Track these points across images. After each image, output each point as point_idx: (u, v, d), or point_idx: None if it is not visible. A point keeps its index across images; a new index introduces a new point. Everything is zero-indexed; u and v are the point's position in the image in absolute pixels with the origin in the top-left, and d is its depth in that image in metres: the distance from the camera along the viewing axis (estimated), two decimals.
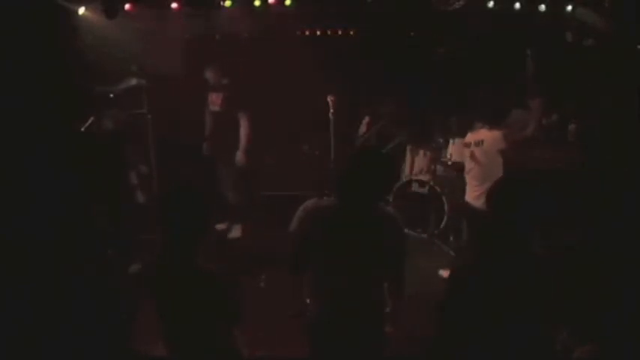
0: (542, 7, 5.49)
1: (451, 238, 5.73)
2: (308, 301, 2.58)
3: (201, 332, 2.35)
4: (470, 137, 4.77)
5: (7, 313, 3.02)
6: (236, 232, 5.86)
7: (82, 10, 5.17)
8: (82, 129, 4.93)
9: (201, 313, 2.32)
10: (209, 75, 5.66)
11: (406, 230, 5.84)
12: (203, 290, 2.30)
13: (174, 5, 5.42)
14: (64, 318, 3.20)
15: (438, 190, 5.78)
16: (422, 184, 5.95)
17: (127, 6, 5.33)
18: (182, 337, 2.37)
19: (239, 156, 5.59)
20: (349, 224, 2.37)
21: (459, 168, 5.33)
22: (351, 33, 7.23)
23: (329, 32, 7.24)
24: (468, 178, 4.80)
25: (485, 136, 4.61)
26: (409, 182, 6.04)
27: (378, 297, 2.49)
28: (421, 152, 6.24)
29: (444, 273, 4.83)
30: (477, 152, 4.65)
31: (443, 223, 5.74)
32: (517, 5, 5.49)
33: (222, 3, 5.48)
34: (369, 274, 2.43)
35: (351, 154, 2.63)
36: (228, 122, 5.59)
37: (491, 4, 5.51)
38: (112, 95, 5.74)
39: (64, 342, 3.10)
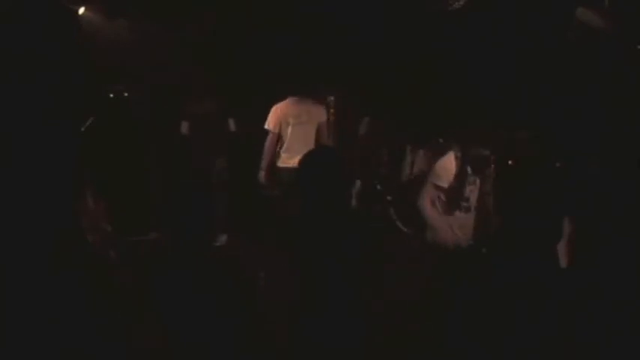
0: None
1: None
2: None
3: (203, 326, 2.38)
4: None
5: (7, 313, 3.03)
6: (222, 240, 5.72)
7: (82, 10, 5.18)
8: (82, 129, 4.93)
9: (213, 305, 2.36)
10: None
11: (406, 230, 5.94)
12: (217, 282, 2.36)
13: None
14: (63, 318, 3.21)
15: None
16: None
17: None
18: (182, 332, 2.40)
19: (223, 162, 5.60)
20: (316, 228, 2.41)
21: None
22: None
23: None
24: None
25: None
26: None
27: (356, 288, 2.51)
28: (421, 152, 6.23)
29: None
30: None
31: None
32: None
33: None
34: (343, 268, 2.46)
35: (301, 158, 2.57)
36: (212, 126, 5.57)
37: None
38: (111, 95, 5.76)
39: (63, 342, 3.11)
